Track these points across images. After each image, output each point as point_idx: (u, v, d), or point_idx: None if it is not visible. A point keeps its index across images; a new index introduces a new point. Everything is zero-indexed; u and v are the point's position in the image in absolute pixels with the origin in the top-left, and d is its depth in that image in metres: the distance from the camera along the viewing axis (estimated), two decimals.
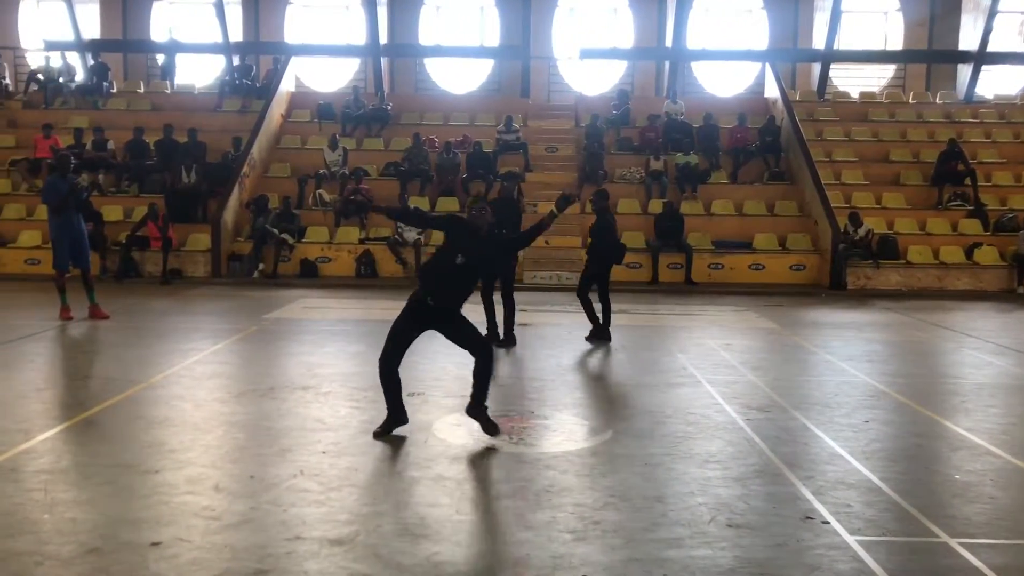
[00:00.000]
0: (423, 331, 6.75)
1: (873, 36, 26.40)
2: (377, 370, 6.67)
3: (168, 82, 24.21)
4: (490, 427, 6.64)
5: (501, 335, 10.64)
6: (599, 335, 11.26)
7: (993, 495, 5.63)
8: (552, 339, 11.44)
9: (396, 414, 6.67)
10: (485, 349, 6.67)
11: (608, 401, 8.01)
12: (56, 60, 23.67)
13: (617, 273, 18.06)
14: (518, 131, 21.21)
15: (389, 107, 22.45)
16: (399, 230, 18.13)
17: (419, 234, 18.01)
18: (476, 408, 6.68)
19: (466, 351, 6.75)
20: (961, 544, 4.76)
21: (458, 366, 9.56)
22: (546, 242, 16.04)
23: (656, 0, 25.74)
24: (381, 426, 6.66)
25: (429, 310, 6.59)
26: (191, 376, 8.70)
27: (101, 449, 6.31)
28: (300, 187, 19.63)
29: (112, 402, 7.56)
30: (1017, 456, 6.44)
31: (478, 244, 6.64)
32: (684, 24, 23.62)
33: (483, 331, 10.46)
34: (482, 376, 6.64)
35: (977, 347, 11.49)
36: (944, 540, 4.84)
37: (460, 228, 6.78)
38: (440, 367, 9.49)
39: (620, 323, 13.16)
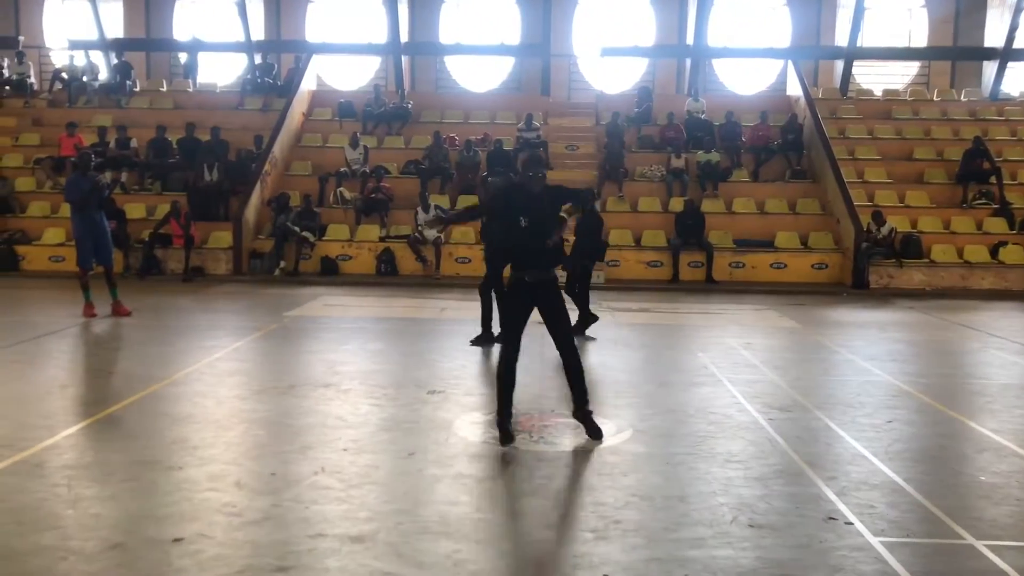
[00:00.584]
0: (530, 313, 6.56)
1: (897, 33, 26.18)
2: (497, 372, 6.45)
3: (191, 81, 24.36)
4: (594, 431, 6.52)
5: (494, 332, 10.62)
6: (585, 327, 11.24)
7: (1020, 497, 5.56)
8: None
9: (510, 412, 6.46)
10: (570, 347, 6.53)
11: (628, 400, 7.98)
12: (80, 59, 23.87)
13: (638, 271, 18.22)
14: (538, 129, 21.20)
15: (409, 105, 22.48)
16: (419, 228, 18.15)
17: (439, 232, 18.02)
18: (579, 411, 6.58)
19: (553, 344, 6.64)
20: (987, 546, 4.71)
21: (478, 364, 9.57)
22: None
23: None
24: (506, 435, 6.34)
25: (529, 287, 6.47)
26: (213, 373, 8.75)
27: (124, 445, 6.35)
28: (321, 185, 19.71)
29: (135, 399, 7.62)
30: None
31: (534, 203, 6.46)
32: (705, 21, 23.52)
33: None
34: (573, 375, 6.53)
35: (1002, 347, 11.37)
36: (969, 542, 4.78)
37: (512, 194, 6.64)
38: (460, 365, 9.51)
39: (641, 321, 13.14)
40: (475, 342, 10.48)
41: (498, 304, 10.35)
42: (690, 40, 24.32)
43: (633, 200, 19.77)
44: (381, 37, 25.14)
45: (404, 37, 24.59)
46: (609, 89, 24.92)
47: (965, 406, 8.08)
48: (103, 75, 23.89)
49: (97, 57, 24.31)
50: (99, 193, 12.25)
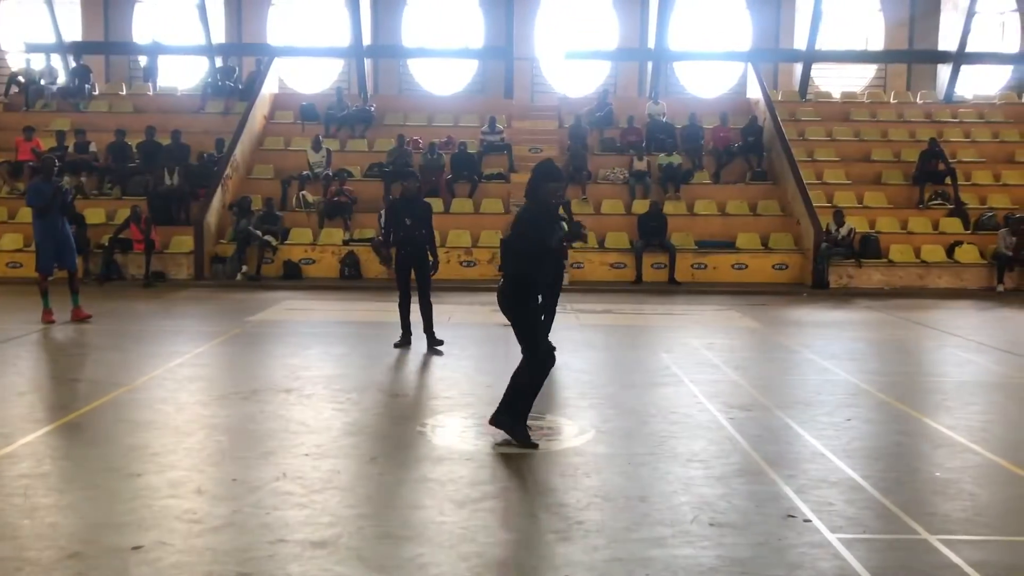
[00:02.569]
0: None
1: (854, 36, 26.55)
2: (516, 375, 6.44)
3: (150, 84, 24.11)
4: (521, 436, 6.49)
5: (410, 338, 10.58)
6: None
7: (972, 492, 5.67)
8: None
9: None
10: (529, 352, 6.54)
11: (591, 401, 8.02)
12: (37, 62, 23.53)
13: (601, 273, 18.32)
14: (502, 132, 21.24)
15: (372, 108, 22.43)
16: (382, 231, 18.07)
17: None
18: (498, 413, 6.53)
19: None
20: (941, 541, 4.80)
21: (442, 368, 9.58)
22: None
23: (639, 1, 25.81)
24: (525, 438, 6.37)
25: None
26: (174, 379, 8.67)
27: (83, 453, 6.27)
28: (283, 188, 19.59)
29: (94, 405, 7.53)
30: (996, 453, 6.49)
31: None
32: (666, 25, 23.69)
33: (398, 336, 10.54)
34: (513, 379, 6.54)
35: (958, 345, 11.58)
36: (924, 537, 4.87)
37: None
38: (425, 369, 9.50)
39: (604, 323, 13.21)
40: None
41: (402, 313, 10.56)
42: (652, 43, 24.48)
43: (596, 202, 19.87)
44: (343, 40, 25.06)
45: (367, 40, 24.51)
46: (572, 92, 25.03)
47: (922, 404, 8.22)
48: (61, 78, 23.57)
49: (55, 60, 23.97)
50: (63, 198, 12.12)
